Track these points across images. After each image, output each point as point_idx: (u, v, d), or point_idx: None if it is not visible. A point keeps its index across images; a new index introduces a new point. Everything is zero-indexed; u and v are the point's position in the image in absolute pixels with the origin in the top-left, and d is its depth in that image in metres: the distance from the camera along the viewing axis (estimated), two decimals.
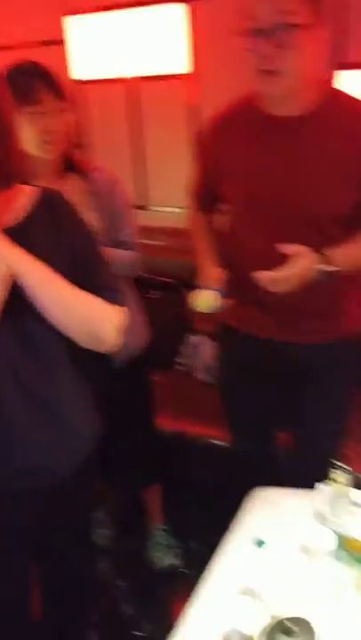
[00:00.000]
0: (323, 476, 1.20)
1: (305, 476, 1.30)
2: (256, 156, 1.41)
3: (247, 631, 0.93)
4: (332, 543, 1.09)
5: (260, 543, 1.20)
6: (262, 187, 1.41)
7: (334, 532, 1.12)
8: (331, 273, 1.36)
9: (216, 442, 2.04)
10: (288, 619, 0.90)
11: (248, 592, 1.02)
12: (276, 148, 1.38)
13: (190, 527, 2.02)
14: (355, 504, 1.07)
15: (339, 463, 1.13)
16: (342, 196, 1.38)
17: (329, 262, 1.36)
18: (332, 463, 1.13)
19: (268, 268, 1.34)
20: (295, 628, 0.89)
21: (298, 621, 0.90)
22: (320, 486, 1.21)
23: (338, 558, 1.06)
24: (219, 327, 1.71)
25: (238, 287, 1.54)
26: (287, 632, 0.88)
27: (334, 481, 1.13)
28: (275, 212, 1.41)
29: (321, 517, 1.19)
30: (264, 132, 1.40)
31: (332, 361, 1.56)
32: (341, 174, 1.36)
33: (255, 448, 1.79)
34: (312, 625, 0.90)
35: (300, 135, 1.36)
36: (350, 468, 1.11)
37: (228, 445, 1.91)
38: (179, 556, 1.95)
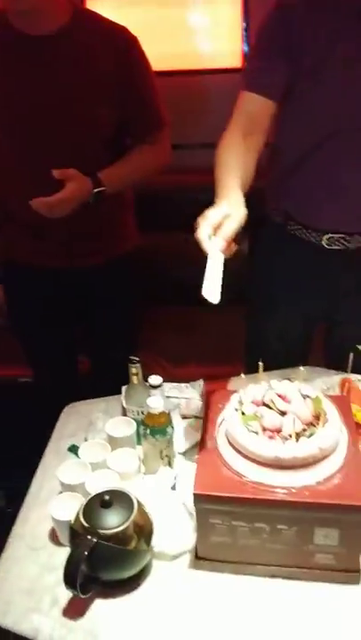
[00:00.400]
0: (124, 381, 1.34)
1: (107, 386, 1.43)
2: (15, 78, 1.40)
3: (65, 518, 1.03)
4: (133, 428, 1.25)
5: (72, 448, 1.31)
6: (24, 110, 1.42)
7: (134, 419, 1.28)
8: (101, 193, 1.46)
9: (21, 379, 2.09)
10: (105, 491, 1.02)
11: (66, 488, 1.13)
12: (34, 68, 1.40)
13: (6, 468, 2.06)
14: (151, 387, 1.22)
15: (135, 358, 1.26)
16: (103, 111, 1.45)
17: (99, 184, 1.46)
18: (131, 360, 1.26)
19: (40, 195, 1.38)
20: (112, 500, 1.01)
21: (115, 493, 1.02)
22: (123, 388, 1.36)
23: (139, 438, 1.22)
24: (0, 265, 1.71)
25: (12, 218, 1.55)
26: (105, 504, 1.00)
27: (133, 375, 1.27)
28: (40, 136, 1.43)
29: (123, 411, 1.35)
30: (20, 52, 1.40)
31: (111, 280, 1.68)
32: (101, 90, 1.43)
33: (59, 378, 1.87)
34: (130, 494, 1.03)
35: (57, 53, 1.39)
36: (138, 358, 1.25)
37: (32, 381, 1.96)
38: (2, 498, 1.99)
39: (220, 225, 1.00)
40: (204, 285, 0.95)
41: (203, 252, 1.00)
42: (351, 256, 1.45)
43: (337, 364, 1.47)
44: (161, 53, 2.25)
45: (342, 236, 1.41)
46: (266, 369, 1.18)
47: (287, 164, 1.40)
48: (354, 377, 1.38)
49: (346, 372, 1.37)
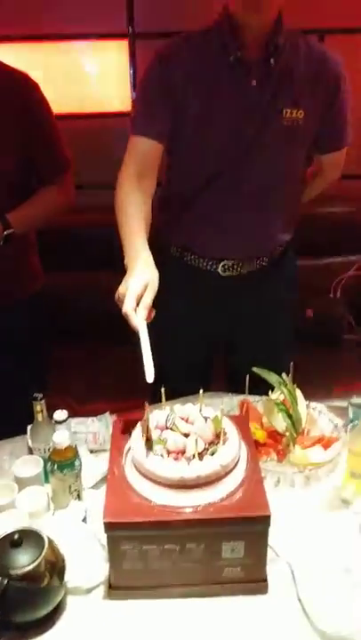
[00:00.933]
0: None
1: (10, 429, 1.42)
2: None
3: None
4: (40, 466, 1.24)
5: None
6: None
7: (40, 456, 1.27)
8: (10, 236, 1.48)
9: None
10: (14, 531, 1.00)
11: None
12: None
13: None
14: (56, 422, 1.23)
15: (38, 395, 1.26)
16: (7, 158, 1.48)
17: (8, 226, 1.48)
18: (34, 398, 1.26)
19: None
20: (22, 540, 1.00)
21: (24, 532, 1.01)
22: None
23: (47, 475, 1.22)
24: None
25: None
26: (15, 544, 0.98)
27: (37, 413, 1.27)
28: None
29: (30, 450, 1.33)
30: None
31: (22, 319, 1.68)
32: (4, 137, 1.47)
33: None
34: (39, 532, 1.02)
35: None
36: (41, 395, 1.26)
37: None
38: None
39: (141, 294, 1.07)
40: (146, 369, 1.02)
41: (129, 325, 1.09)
42: (246, 280, 1.55)
43: (237, 388, 1.56)
44: (58, 97, 2.33)
45: (235, 262, 1.52)
46: (171, 396, 1.23)
47: (177, 203, 1.49)
48: (252, 398, 1.46)
49: (245, 393, 1.46)
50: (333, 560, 1.11)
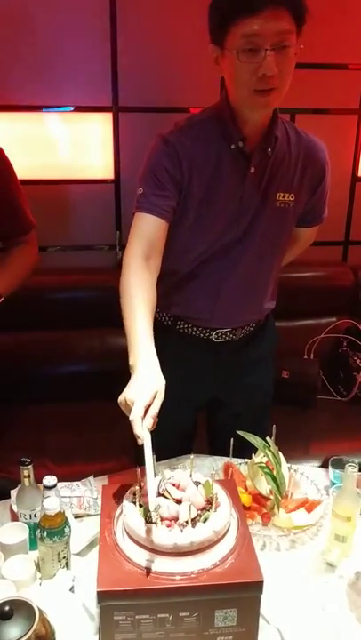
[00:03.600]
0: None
1: None
2: None
3: None
4: (25, 533, 1.23)
5: None
6: None
7: (26, 523, 1.26)
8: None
9: None
10: (5, 602, 0.99)
11: None
12: None
13: None
14: (45, 488, 1.22)
15: (27, 459, 1.26)
16: None
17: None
18: (22, 462, 1.26)
19: None
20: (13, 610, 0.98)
21: (15, 603, 0.99)
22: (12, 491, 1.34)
23: (31, 542, 1.21)
24: None
25: None
26: (5, 616, 0.97)
27: (25, 477, 1.26)
28: None
29: (12, 516, 1.32)
30: None
31: None
32: None
33: None
34: (31, 603, 1.01)
35: None
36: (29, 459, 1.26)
37: None
38: None
39: (150, 404, 1.10)
40: (149, 499, 1.02)
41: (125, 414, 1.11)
42: (236, 344, 1.61)
43: (218, 448, 1.58)
44: (35, 164, 2.41)
45: (229, 330, 1.57)
46: (157, 456, 1.24)
47: (171, 277, 1.52)
48: (235, 461, 1.49)
49: (228, 456, 1.48)
50: (322, 626, 1.12)
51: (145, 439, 1.07)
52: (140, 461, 1.23)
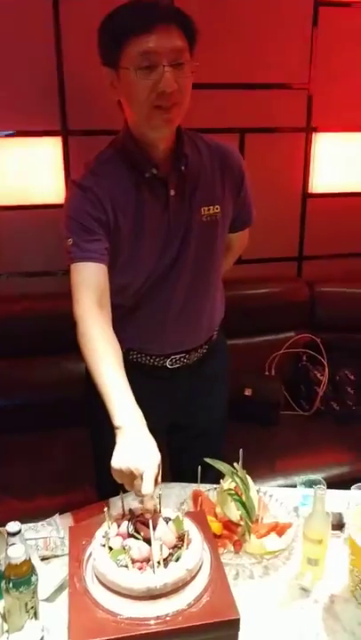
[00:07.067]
0: None
1: None
2: None
3: None
4: None
5: None
6: None
7: None
8: None
9: None
10: None
11: None
12: None
13: None
14: (9, 534, 1.17)
15: None
16: None
17: None
18: None
19: None
20: None
21: None
22: None
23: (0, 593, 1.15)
24: None
25: None
26: None
27: None
28: None
29: None
30: None
31: None
32: None
33: None
34: None
35: None
36: None
37: None
38: None
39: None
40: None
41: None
42: (190, 367, 1.59)
43: (181, 470, 1.56)
44: None
45: (183, 355, 1.55)
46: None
47: (120, 313, 1.47)
48: (203, 487, 1.47)
49: (192, 479, 1.46)
50: None
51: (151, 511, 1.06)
52: (100, 492, 1.17)
